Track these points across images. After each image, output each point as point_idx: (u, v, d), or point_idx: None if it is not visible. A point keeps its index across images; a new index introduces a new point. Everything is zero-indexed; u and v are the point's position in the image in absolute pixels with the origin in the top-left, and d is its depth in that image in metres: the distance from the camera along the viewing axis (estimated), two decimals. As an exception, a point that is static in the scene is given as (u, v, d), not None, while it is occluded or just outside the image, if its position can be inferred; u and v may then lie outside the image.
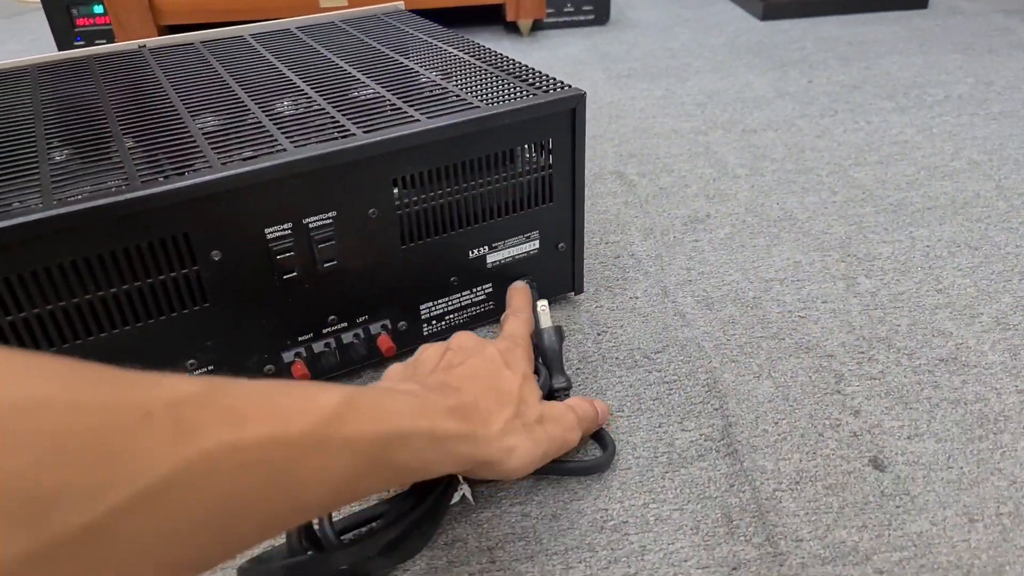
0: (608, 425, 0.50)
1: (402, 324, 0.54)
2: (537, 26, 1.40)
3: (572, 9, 1.38)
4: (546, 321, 0.54)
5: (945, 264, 0.67)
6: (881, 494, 0.45)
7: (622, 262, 0.69)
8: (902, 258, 0.68)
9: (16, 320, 0.41)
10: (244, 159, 0.44)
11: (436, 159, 0.50)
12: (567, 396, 0.51)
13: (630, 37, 1.35)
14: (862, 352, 0.57)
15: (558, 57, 1.26)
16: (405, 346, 0.55)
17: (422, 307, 0.55)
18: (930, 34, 1.29)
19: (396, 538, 0.39)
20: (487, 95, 0.53)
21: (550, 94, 0.52)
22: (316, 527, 0.39)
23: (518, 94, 0.53)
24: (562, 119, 0.53)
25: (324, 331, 0.51)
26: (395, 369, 0.46)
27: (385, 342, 0.53)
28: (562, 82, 0.54)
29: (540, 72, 0.57)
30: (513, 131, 0.52)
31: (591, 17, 1.40)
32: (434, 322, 0.56)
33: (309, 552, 0.38)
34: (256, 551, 0.41)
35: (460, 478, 0.43)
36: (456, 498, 0.43)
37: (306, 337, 0.51)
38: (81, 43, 1.24)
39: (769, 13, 1.41)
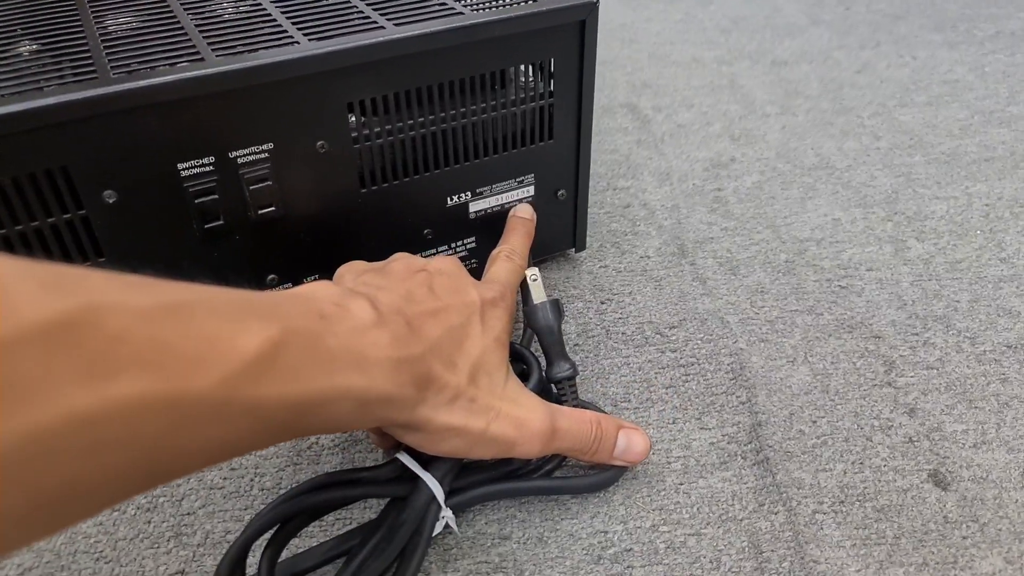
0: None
1: (364, 284, 0.44)
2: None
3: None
4: (539, 294, 0.42)
5: (1008, 227, 0.57)
6: (944, 520, 0.36)
7: (632, 213, 0.59)
8: (958, 218, 0.58)
9: None
10: (146, 70, 0.33)
11: (405, 79, 0.39)
12: (572, 387, 0.40)
13: (647, -48, 1.21)
14: (916, 334, 0.47)
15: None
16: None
17: (389, 264, 0.45)
18: (981, -40, 1.17)
19: None
20: (477, 1, 0.42)
21: (553, 1, 0.41)
22: None
23: (513, 0, 0.42)
24: (568, 34, 0.42)
25: (264, 292, 0.41)
26: (356, 266, 0.36)
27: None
28: (570, -13, 0.43)
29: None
30: (505, 47, 0.41)
31: (604, -72, 1.26)
32: (404, 282, 0.46)
33: None
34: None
35: (442, 503, 0.33)
36: (439, 528, 0.34)
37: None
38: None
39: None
